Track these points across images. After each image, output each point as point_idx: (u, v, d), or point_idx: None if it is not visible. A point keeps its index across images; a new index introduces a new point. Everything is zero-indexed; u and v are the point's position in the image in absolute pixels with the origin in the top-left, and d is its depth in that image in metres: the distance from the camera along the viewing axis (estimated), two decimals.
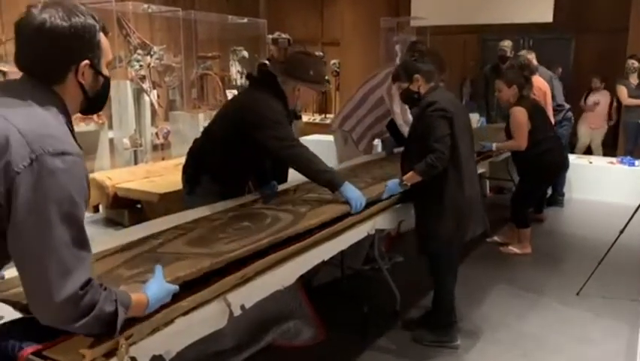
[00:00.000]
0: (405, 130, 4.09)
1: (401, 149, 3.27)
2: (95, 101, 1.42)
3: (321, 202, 2.64)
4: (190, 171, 2.96)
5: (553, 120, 4.96)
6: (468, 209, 2.87)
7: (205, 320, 1.72)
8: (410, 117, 3.84)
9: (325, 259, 2.36)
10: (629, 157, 6.17)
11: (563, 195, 5.82)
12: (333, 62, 9.57)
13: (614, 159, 6.29)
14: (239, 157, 2.82)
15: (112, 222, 5.12)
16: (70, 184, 1.22)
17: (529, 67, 5.01)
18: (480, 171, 4.33)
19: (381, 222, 2.80)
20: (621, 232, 3.56)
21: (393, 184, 2.86)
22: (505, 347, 2.97)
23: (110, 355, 1.39)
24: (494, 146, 4.34)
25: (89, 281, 1.26)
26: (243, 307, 1.88)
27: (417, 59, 2.95)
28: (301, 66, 2.78)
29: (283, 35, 5.21)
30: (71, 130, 1.34)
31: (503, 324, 3.23)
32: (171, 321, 1.57)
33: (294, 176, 3.12)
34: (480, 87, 6.98)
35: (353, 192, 2.60)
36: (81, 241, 1.25)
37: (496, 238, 4.63)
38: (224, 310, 1.80)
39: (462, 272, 3.83)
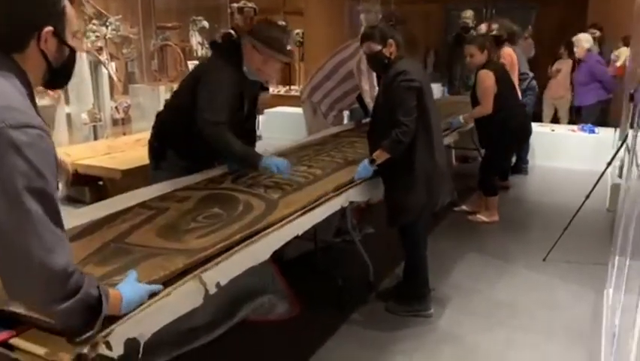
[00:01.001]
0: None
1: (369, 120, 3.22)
2: (60, 74, 1.31)
3: (292, 185, 2.57)
4: (155, 146, 2.85)
5: (518, 89, 5.00)
6: (439, 178, 2.87)
7: (180, 300, 1.65)
8: None
9: (299, 234, 2.31)
10: (589, 125, 6.30)
11: (527, 162, 5.93)
12: (296, 31, 9.40)
13: (575, 127, 6.42)
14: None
15: (72, 200, 4.93)
16: (37, 159, 1.12)
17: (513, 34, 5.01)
18: (449, 141, 4.35)
19: (355, 194, 2.76)
20: (587, 197, 3.64)
21: (363, 168, 2.81)
22: (479, 315, 3.02)
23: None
24: (461, 118, 4.34)
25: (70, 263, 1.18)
26: (218, 284, 1.82)
27: (393, 26, 2.88)
28: (268, 36, 2.67)
29: (249, 4, 5.05)
30: (33, 103, 1.24)
31: (475, 291, 3.28)
32: (147, 305, 1.50)
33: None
34: (444, 57, 6.98)
35: (274, 160, 2.61)
36: (57, 220, 1.17)
37: (464, 207, 4.69)
38: (199, 289, 1.73)
39: (431, 242, 3.86)
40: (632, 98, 3.92)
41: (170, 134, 2.80)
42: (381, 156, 2.76)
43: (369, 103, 4.00)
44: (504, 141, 4.29)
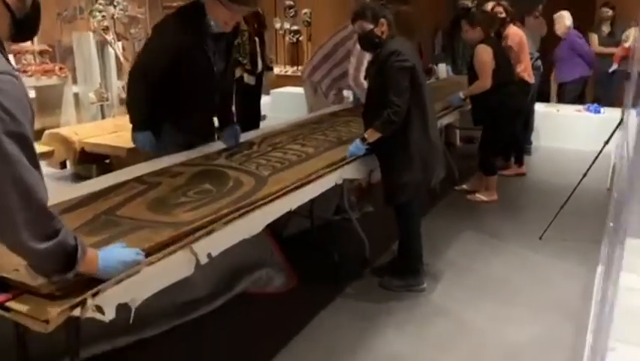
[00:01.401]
0: (357, 91, 4.10)
1: None
2: (24, 25, 1.32)
3: (283, 163, 2.62)
4: (152, 122, 2.91)
5: (531, 69, 4.97)
6: (433, 155, 2.91)
7: (171, 268, 1.73)
8: (363, 82, 3.81)
9: (292, 209, 2.38)
10: (595, 105, 6.27)
11: (530, 143, 5.92)
12: (304, 11, 9.35)
13: (580, 107, 6.38)
14: (180, 94, 2.79)
15: (80, 178, 5.04)
16: (10, 104, 1.17)
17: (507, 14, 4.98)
18: (450, 120, 4.36)
19: (349, 172, 2.82)
20: (583, 176, 3.66)
21: (355, 147, 2.85)
22: (471, 290, 3.08)
23: (75, 306, 1.40)
24: (461, 94, 4.34)
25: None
26: (209, 255, 1.89)
27: (384, 5, 2.90)
28: None
29: None
30: (3, 53, 1.26)
31: (469, 269, 3.33)
32: (136, 272, 1.58)
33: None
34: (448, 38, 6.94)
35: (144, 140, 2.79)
36: (34, 161, 1.23)
37: (464, 186, 4.72)
38: (190, 259, 1.81)
39: (429, 220, 3.95)
40: (627, 76, 3.90)
41: (160, 106, 2.83)
42: (372, 135, 2.81)
43: (353, 86, 4.08)
44: (502, 119, 4.27)
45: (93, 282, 1.47)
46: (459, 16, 4.61)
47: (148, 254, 1.63)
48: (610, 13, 6.54)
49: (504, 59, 4.24)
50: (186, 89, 2.78)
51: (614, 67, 6.48)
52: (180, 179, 2.35)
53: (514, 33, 4.90)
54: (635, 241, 1.73)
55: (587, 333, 2.52)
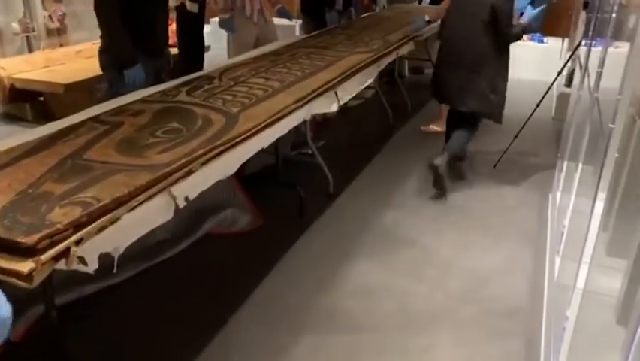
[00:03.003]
0: None
1: None
2: None
3: (250, 98, 2.49)
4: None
5: None
6: None
7: (151, 214, 1.64)
8: None
9: (265, 147, 2.30)
10: (538, 34, 6.38)
11: None
12: None
13: (524, 36, 6.46)
14: (136, 16, 2.77)
15: (12, 118, 4.67)
16: None
17: None
18: (407, 50, 4.29)
19: (317, 106, 2.74)
20: (537, 106, 3.76)
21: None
22: (432, 219, 3.17)
23: (58, 258, 1.30)
24: (427, 17, 4.12)
25: None
26: (187, 198, 1.81)
27: None
28: None
29: None
30: None
31: (430, 199, 3.40)
32: (117, 218, 1.48)
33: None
34: None
35: (137, 73, 2.77)
36: None
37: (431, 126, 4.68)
38: (169, 203, 1.72)
39: (385, 154, 3.98)
40: (585, 5, 3.95)
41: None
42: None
43: None
44: None
45: (72, 230, 1.37)
46: None
47: (131, 198, 1.53)
48: None
49: None
50: (144, 8, 2.79)
51: None
52: (143, 118, 2.19)
53: None
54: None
55: (546, 256, 2.67)
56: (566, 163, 2.97)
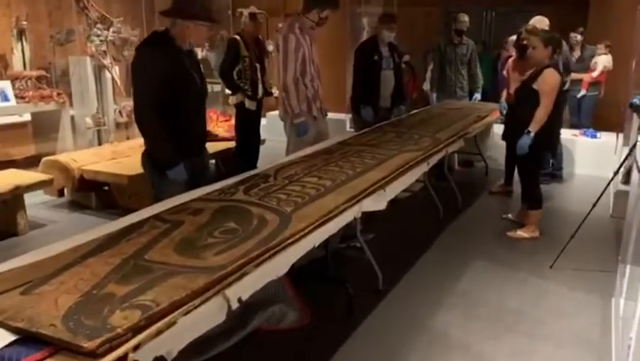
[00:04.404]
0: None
1: None
2: None
3: (303, 198, 2.57)
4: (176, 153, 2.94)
5: None
6: None
7: (205, 317, 1.68)
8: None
9: (316, 245, 2.33)
10: (591, 130, 6.34)
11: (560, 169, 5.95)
12: None
13: (577, 132, 6.44)
14: (178, 118, 2.89)
15: (78, 206, 4.94)
16: None
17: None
18: (454, 148, 4.35)
19: (367, 204, 2.78)
20: (594, 205, 3.66)
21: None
22: (488, 322, 3.04)
23: None
24: (531, 131, 3.95)
25: None
26: (240, 300, 1.84)
27: None
28: (187, 3, 2.86)
29: (258, 10, 5.08)
30: None
31: (483, 299, 3.30)
32: (174, 323, 1.52)
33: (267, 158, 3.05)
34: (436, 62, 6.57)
35: (182, 173, 2.88)
36: None
37: (510, 216, 4.61)
38: (222, 305, 1.75)
39: (437, 249, 3.92)
40: (630, 105, 3.94)
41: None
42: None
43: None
44: (550, 144, 4.22)
45: (131, 334, 1.41)
46: (529, 31, 4.42)
47: (187, 301, 1.57)
48: (579, 38, 6.65)
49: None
50: (183, 109, 2.91)
51: (582, 93, 6.60)
52: (202, 217, 2.29)
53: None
54: None
55: None
56: (628, 267, 2.84)
